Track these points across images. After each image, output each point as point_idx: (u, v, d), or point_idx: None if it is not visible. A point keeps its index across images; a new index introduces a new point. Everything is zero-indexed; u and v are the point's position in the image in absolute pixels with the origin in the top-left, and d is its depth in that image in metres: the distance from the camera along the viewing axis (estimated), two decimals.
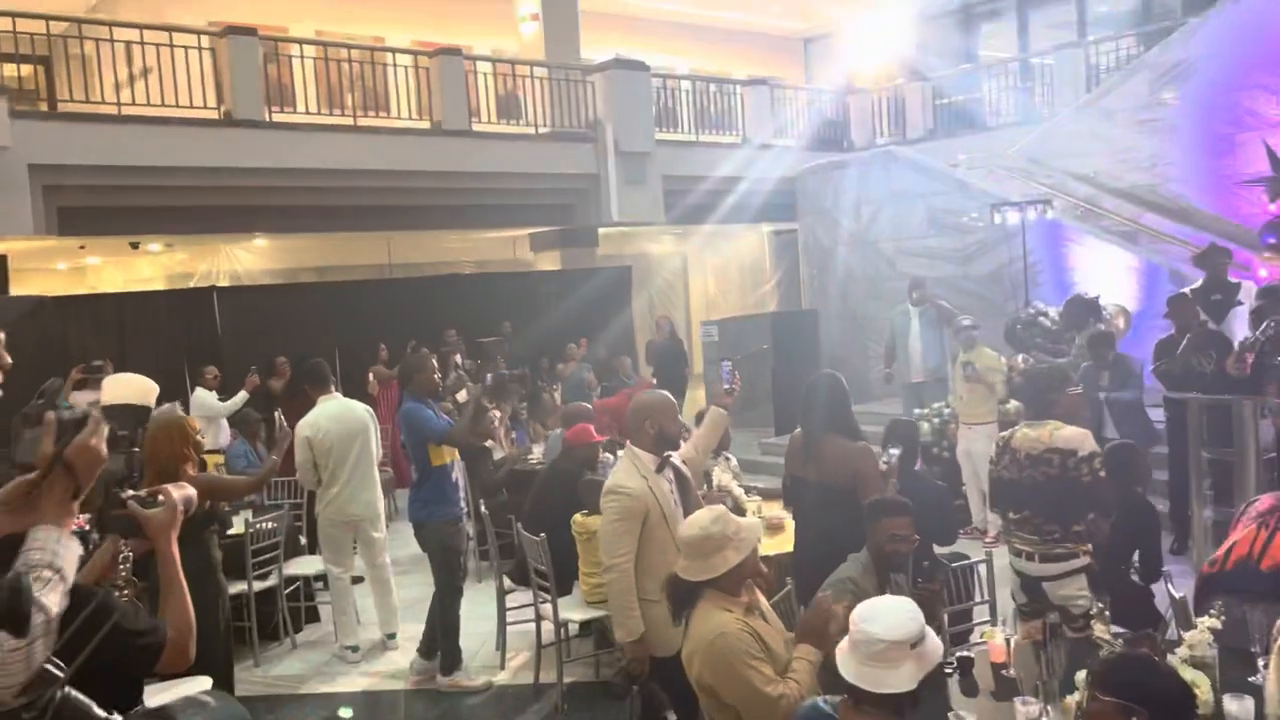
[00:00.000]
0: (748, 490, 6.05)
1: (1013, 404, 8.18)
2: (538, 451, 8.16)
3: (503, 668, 5.86)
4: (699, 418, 6.21)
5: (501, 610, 5.96)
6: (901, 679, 2.44)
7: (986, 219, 10.21)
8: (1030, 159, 12.46)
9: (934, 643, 2.56)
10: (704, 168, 14.42)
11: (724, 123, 16.01)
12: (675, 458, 4.12)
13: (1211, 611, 3.15)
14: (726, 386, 4.54)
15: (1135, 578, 4.66)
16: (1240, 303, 7.27)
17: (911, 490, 5.02)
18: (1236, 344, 6.64)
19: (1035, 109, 14.75)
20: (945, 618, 4.28)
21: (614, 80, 13.51)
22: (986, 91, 15.70)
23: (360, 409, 6.17)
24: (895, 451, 5.72)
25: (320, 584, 6.71)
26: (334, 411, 6.02)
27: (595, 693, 5.40)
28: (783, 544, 5.40)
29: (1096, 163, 11.86)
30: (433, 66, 12.48)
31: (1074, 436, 4.17)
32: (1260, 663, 3.05)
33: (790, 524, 5.55)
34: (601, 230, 14.21)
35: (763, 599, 3.53)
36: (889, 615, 2.54)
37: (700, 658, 3.12)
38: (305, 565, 6.66)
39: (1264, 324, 6.46)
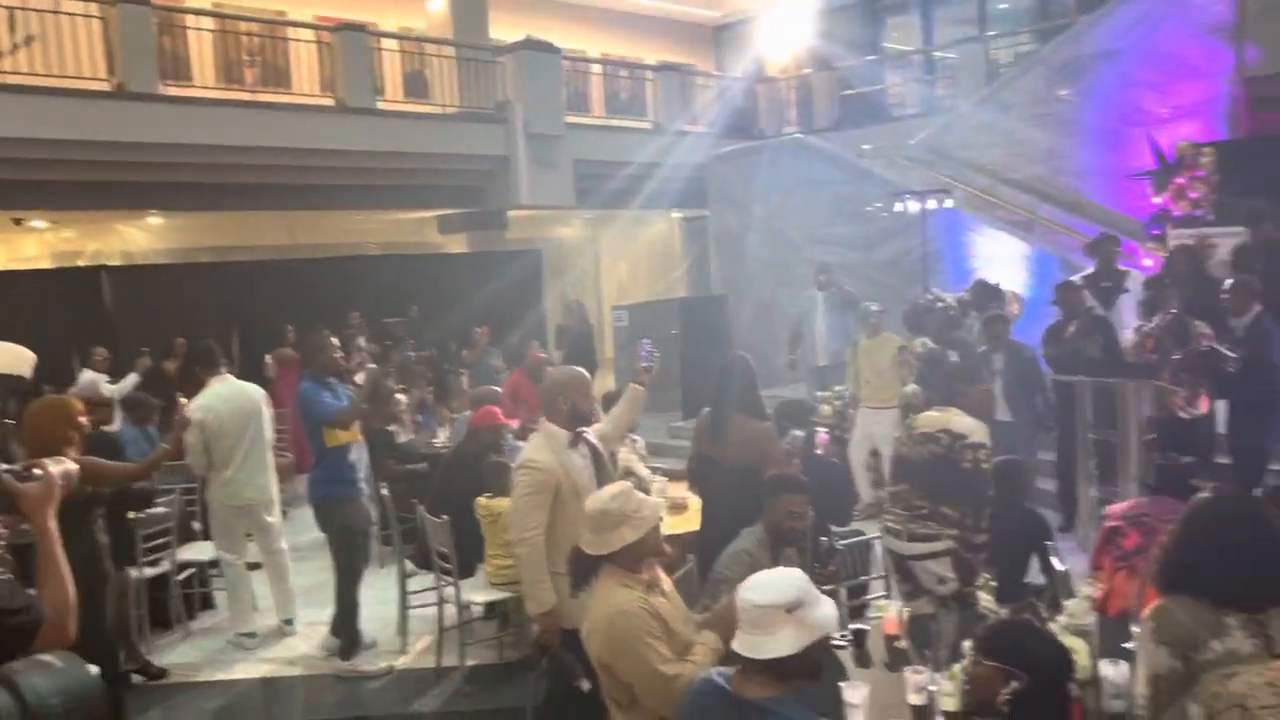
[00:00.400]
0: (653, 471, 6.07)
1: (911, 387, 8.38)
2: (443, 436, 8.08)
3: (404, 652, 5.79)
4: (606, 400, 6.23)
5: (403, 594, 5.88)
6: (779, 644, 2.45)
7: (889, 208, 10.42)
8: (931, 150, 12.76)
9: (820, 611, 2.55)
10: (616, 153, 14.41)
11: (635, 108, 16.03)
12: (591, 434, 4.15)
13: (1090, 579, 3.29)
14: (645, 364, 4.55)
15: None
16: (1127, 290, 7.56)
17: (811, 470, 5.13)
18: (1130, 331, 6.91)
19: (937, 101, 15.10)
20: (844, 594, 4.37)
21: (524, 61, 13.40)
22: (891, 83, 16.02)
23: (253, 391, 6.00)
24: (800, 433, 5.85)
25: (215, 570, 6.53)
26: (225, 393, 5.84)
27: (498, 674, 5.37)
28: (686, 523, 5.46)
29: (994, 155, 12.22)
30: (336, 42, 12.19)
31: (969, 425, 4.27)
32: (1133, 628, 3.18)
33: (694, 504, 5.62)
34: (511, 213, 14.09)
35: (664, 577, 3.55)
36: (768, 582, 2.56)
37: (599, 636, 3.13)
38: (199, 551, 6.47)
39: (1158, 315, 6.73)
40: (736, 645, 2.55)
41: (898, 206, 10.14)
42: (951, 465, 4.17)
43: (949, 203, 10.25)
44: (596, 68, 15.95)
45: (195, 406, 5.62)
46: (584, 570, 3.27)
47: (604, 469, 4.15)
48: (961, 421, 4.26)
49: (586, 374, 4.21)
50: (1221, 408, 6.60)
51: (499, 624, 5.70)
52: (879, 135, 14.17)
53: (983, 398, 4.51)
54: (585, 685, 3.42)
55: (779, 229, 12.70)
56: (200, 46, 11.32)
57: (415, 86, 14.03)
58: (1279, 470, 6.50)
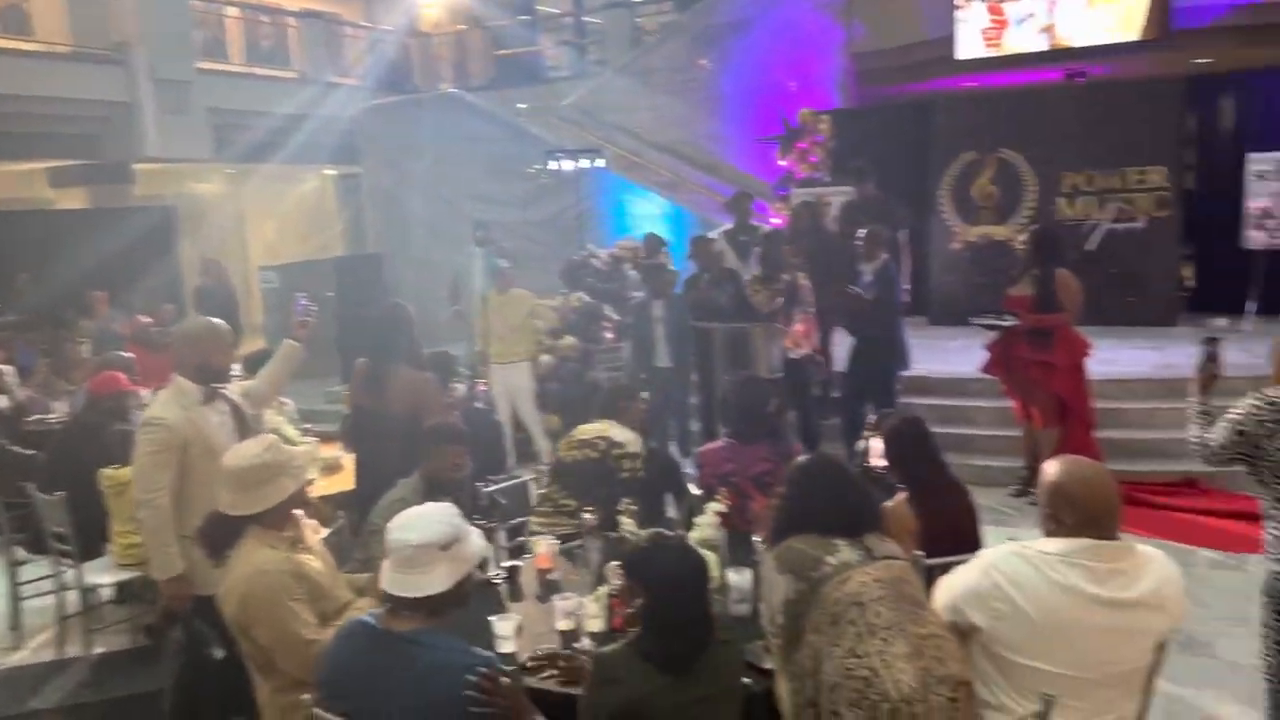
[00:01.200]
0: (304, 433, 5.81)
1: (567, 339, 8.63)
2: (60, 408, 7.25)
3: (19, 648, 5.16)
4: (249, 361, 5.85)
5: (13, 583, 5.23)
6: (434, 582, 2.46)
7: (544, 167, 10.60)
8: (583, 112, 13.11)
9: (471, 545, 2.58)
10: (257, 103, 13.51)
11: (279, 58, 15.08)
12: (233, 391, 3.95)
13: (718, 497, 3.56)
14: (301, 319, 4.32)
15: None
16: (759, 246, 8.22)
17: (471, 422, 5.14)
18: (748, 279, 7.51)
19: (588, 66, 15.50)
20: (503, 535, 4.42)
21: None
22: (545, 46, 16.23)
23: None
24: (462, 385, 5.83)
25: None
26: None
27: (133, 659, 4.93)
28: (340, 484, 5.30)
29: (640, 118, 12.78)
30: None
31: (626, 435, 4.35)
32: (754, 539, 3.50)
33: (349, 464, 5.46)
34: (139, 166, 12.81)
35: (311, 535, 3.42)
36: (420, 520, 2.55)
37: (236, 598, 2.95)
38: None
39: (788, 269, 7.37)
40: (388, 585, 2.50)
41: (552, 165, 10.34)
42: (605, 471, 4.20)
43: (600, 163, 10.60)
44: (233, 10, 14.80)
45: None
46: (225, 535, 3.08)
47: (246, 428, 3.94)
48: (619, 432, 4.36)
49: (222, 326, 3.93)
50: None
51: (131, 606, 5.23)
52: (534, 96, 14.32)
53: (640, 414, 4.60)
54: (219, 653, 3.22)
55: (436, 186, 12.53)
56: None
57: (13, 21, 12.30)
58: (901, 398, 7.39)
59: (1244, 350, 7.77)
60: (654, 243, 8.78)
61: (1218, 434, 3.06)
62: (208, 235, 15.74)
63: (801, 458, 2.93)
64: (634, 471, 4.26)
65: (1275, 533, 2.99)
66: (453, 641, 2.44)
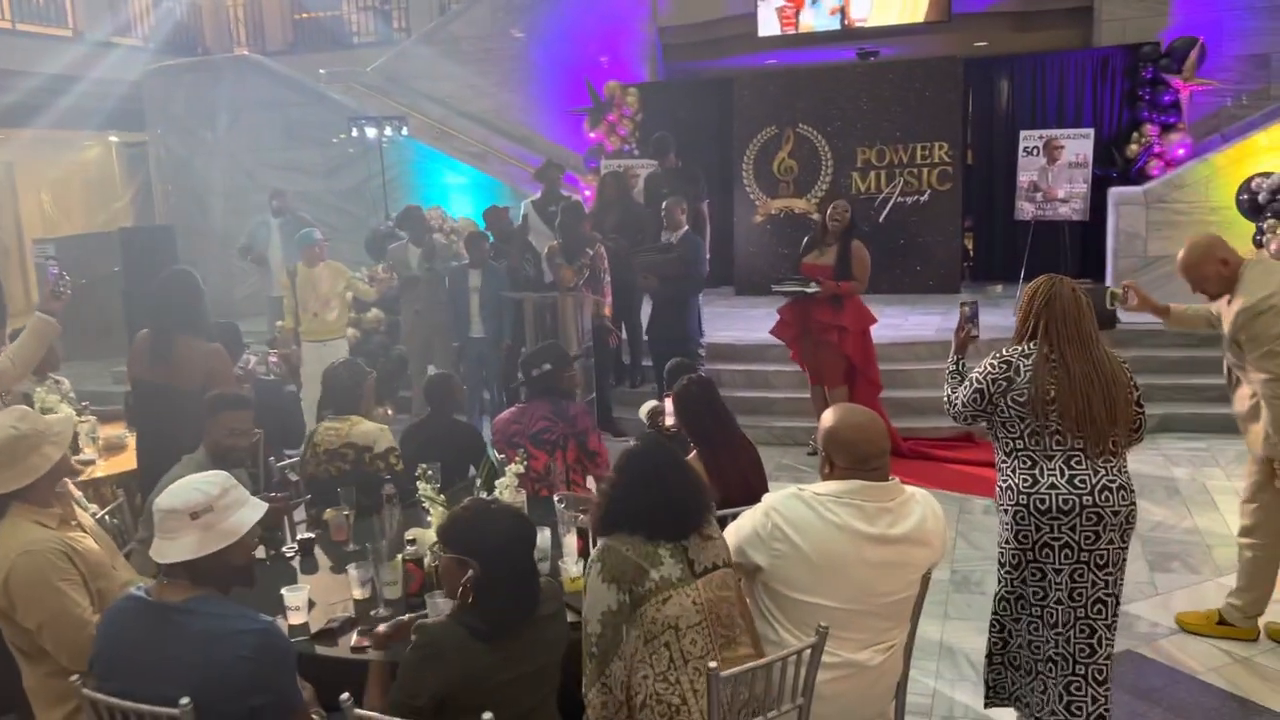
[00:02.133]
0: (80, 411, 5.42)
1: (372, 312, 8.42)
2: None
3: None
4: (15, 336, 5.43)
5: None
6: (180, 549, 2.36)
7: (347, 134, 10.25)
8: (388, 78, 12.75)
9: (233, 519, 2.45)
10: (25, 62, 12.38)
11: (52, 14, 13.88)
12: None
13: (516, 460, 3.59)
14: (54, 290, 4.01)
15: None
16: None
17: (261, 394, 4.94)
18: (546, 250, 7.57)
19: (392, 32, 15.06)
20: (299, 511, 4.28)
21: None
22: (346, 9, 15.64)
23: None
24: (253, 358, 5.59)
25: None
26: None
27: None
28: (123, 464, 4.99)
29: (447, 87, 12.55)
30: None
31: (370, 432, 4.16)
32: (556, 498, 3.54)
33: (132, 443, 5.16)
34: None
35: (82, 513, 3.22)
36: (179, 487, 2.45)
37: None
38: None
39: (594, 245, 7.44)
40: (151, 551, 2.40)
41: (354, 132, 10.01)
42: (363, 477, 4.00)
43: (405, 131, 10.33)
44: None
45: None
46: None
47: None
48: (362, 430, 4.16)
49: None
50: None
51: None
52: (337, 61, 13.79)
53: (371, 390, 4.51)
54: None
55: (231, 154, 11.91)
56: None
57: None
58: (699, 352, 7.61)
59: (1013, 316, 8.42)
60: (414, 217, 8.13)
61: (961, 393, 3.29)
62: None
63: (632, 445, 2.82)
64: (394, 464, 4.11)
65: (1002, 484, 3.22)
66: (226, 607, 2.36)
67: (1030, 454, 3.10)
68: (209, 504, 2.41)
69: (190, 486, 2.45)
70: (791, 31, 11.07)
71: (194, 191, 12.16)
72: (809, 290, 6.54)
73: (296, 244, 7.69)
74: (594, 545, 2.65)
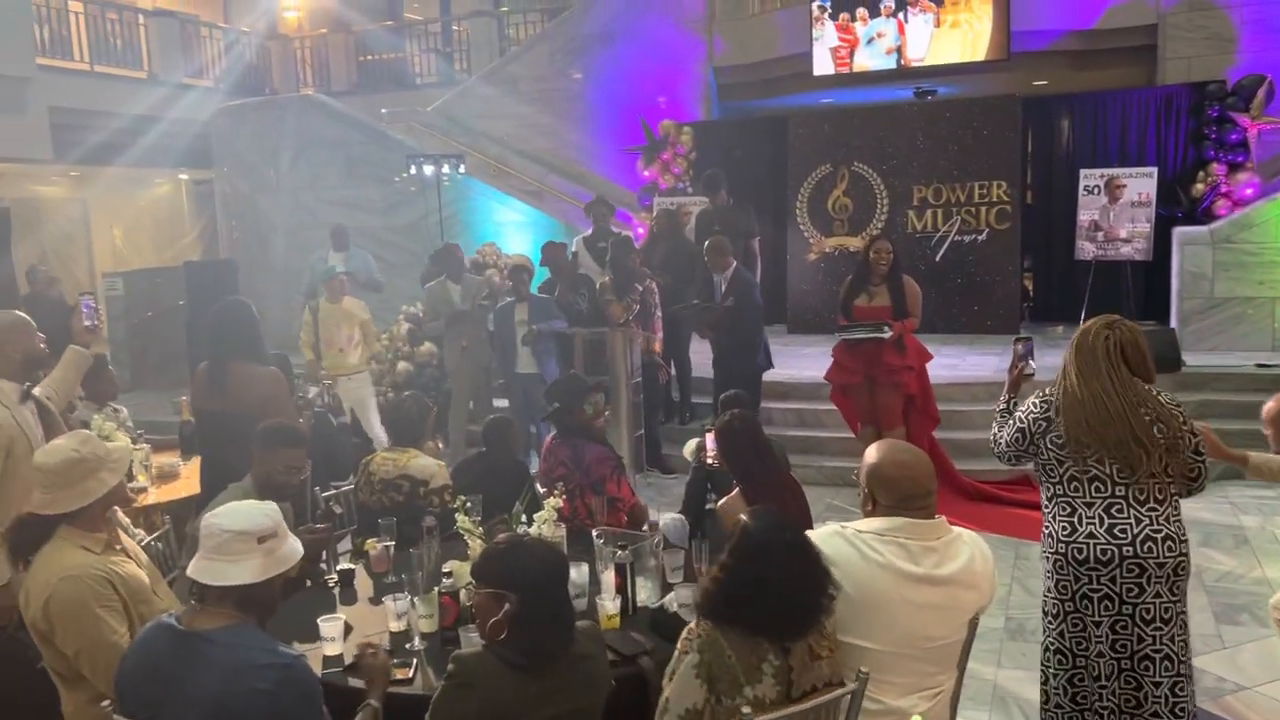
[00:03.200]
0: (135, 440, 5.52)
1: (425, 345, 8.48)
2: None
3: None
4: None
5: None
6: (243, 571, 2.36)
7: (405, 172, 10.43)
8: (448, 118, 12.99)
9: (289, 546, 2.50)
10: (104, 103, 12.87)
11: (129, 57, 14.40)
12: (40, 393, 3.79)
13: (556, 490, 3.55)
14: (88, 324, 4.12)
15: None
16: None
17: (321, 430, 4.99)
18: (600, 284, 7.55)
19: (454, 72, 15.36)
20: (343, 542, 4.29)
21: None
22: (410, 51, 16.01)
23: None
24: (315, 389, 5.65)
25: None
26: None
27: None
28: (174, 491, 5.07)
29: (505, 126, 12.74)
30: None
31: (428, 468, 4.14)
32: (595, 534, 3.50)
33: (186, 472, 5.26)
34: None
35: (127, 538, 3.26)
36: (238, 510, 2.46)
37: (38, 600, 2.78)
38: None
39: (641, 279, 7.44)
40: (193, 571, 2.39)
41: (412, 169, 10.18)
42: (414, 511, 3.97)
43: (463, 169, 10.49)
44: (78, 6, 14.07)
45: None
46: (34, 537, 2.91)
47: (56, 427, 3.78)
48: (420, 464, 4.15)
49: (23, 317, 3.77)
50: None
51: None
52: (399, 101, 14.11)
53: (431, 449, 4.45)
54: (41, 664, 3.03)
55: (293, 191, 12.18)
56: None
57: None
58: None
59: None
60: (446, 254, 8.17)
61: (1005, 432, 3.19)
62: (48, 240, 14.95)
63: (748, 522, 2.48)
64: (445, 503, 4.06)
65: (1045, 530, 3.11)
66: (255, 639, 2.34)
67: (1069, 501, 3.00)
68: (274, 529, 2.44)
69: (256, 511, 2.47)
70: (846, 71, 11.05)
71: (256, 227, 12.45)
72: (882, 335, 6.27)
73: (321, 278, 7.75)
74: (697, 622, 2.42)
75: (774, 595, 2.31)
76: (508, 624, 2.40)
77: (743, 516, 2.52)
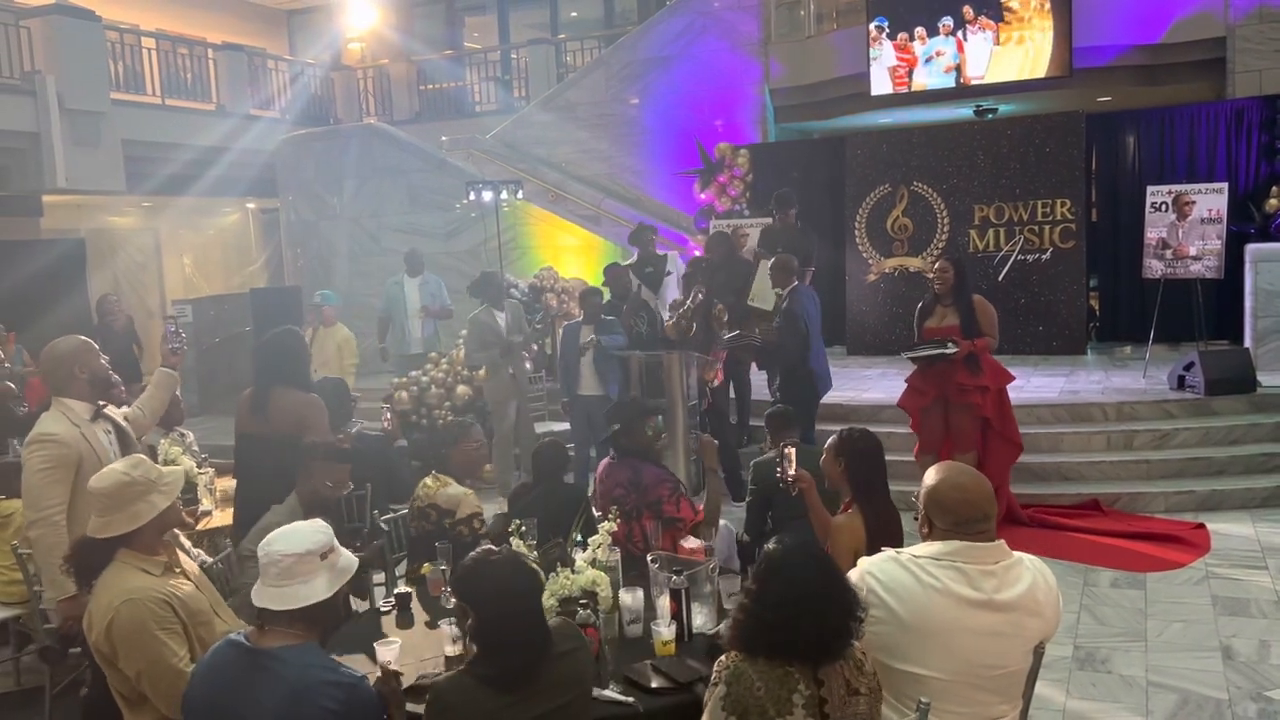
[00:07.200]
0: (200, 464, 5.63)
1: (461, 388, 8.51)
2: None
3: None
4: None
5: None
6: (314, 590, 2.41)
7: (464, 198, 10.56)
8: (507, 144, 13.14)
9: (347, 555, 2.58)
10: (174, 135, 13.26)
11: (199, 91, 14.84)
12: (116, 414, 3.89)
13: (610, 516, 3.53)
14: (172, 346, 4.22)
15: None
16: (669, 273, 8.26)
17: (368, 447, 5.04)
18: (667, 308, 7.54)
19: (512, 99, 15.56)
20: (398, 565, 4.34)
21: (57, 28, 11.89)
22: (470, 79, 16.26)
23: None
24: (360, 423, 5.71)
25: None
26: None
27: (19, 702, 4.72)
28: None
29: (563, 152, 12.86)
30: None
31: (455, 496, 4.13)
32: (649, 558, 3.47)
33: None
34: (48, 199, 12.47)
35: (187, 559, 3.31)
36: (292, 533, 2.50)
37: (101, 623, 2.84)
38: None
39: (692, 292, 7.44)
40: (260, 600, 2.43)
41: (471, 195, 10.30)
42: (454, 539, 3.99)
43: (521, 194, 10.59)
44: (150, 42, 14.55)
45: None
46: (95, 560, 2.97)
47: (132, 448, 3.87)
48: (448, 494, 4.16)
49: (87, 340, 3.90)
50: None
51: (15, 646, 4.99)
52: (459, 129, 14.31)
53: (468, 456, 4.43)
54: None
55: (356, 218, 12.42)
56: None
57: None
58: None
59: (1147, 378, 8.06)
60: (487, 280, 8.11)
61: None
62: (121, 269, 15.39)
63: (771, 548, 2.43)
64: (476, 530, 4.07)
65: None
66: (320, 658, 2.38)
67: None
68: (330, 543, 2.50)
69: (309, 530, 2.51)
70: (904, 90, 10.95)
71: (320, 254, 12.70)
72: (947, 352, 6.09)
73: (318, 304, 7.91)
74: (727, 654, 2.37)
75: (800, 615, 2.25)
76: (474, 637, 2.46)
77: (770, 545, 2.47)
